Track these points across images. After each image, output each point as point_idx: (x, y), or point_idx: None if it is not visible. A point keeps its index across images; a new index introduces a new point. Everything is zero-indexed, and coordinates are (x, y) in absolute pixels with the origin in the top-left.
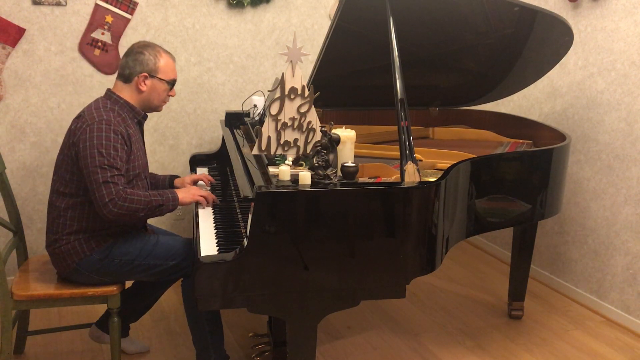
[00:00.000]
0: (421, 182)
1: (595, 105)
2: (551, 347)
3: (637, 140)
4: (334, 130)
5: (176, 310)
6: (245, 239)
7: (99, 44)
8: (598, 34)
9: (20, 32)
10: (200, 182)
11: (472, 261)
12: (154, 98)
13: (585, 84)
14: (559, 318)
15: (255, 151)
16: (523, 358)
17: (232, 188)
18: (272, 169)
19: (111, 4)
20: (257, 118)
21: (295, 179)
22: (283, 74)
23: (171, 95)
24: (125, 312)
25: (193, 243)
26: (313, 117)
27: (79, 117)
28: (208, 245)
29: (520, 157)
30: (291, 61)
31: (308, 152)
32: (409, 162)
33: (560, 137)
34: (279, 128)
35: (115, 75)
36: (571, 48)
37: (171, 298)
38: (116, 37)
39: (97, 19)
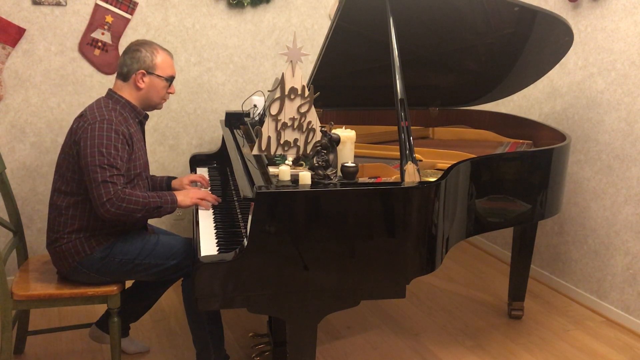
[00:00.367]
0: (421, 182)
1: (595, 105)
2: (551, 347)
3: (637, 140)
4: (334, 130)
5: (176, 310)
6: (245, 239)
7: (99, 44)
8: (598, 34)
9: (20, 32)
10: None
11: (472, 261)
12: (153, 95)
13: (585, 84)
14: (559, 318)
15: (255, 151)
16: (523, 358)
17: (232, 188)
18: (272, 169)
19: (111, 4)
20: (257, 118)
21: (295, 179)
22: (283, 74)
23: (170, 93)
24: (125, 312)
25: (193, 243)
26: (313, 117)
27: (80, 116)
28: (208, 245)
29: (520, 157)
30: (291, 61)
31: (308, 152)
32: (409, 162)
33: (560, 137)
34: (279, 128)
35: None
36: (571, 48)
37: (171, 298)
38: (116, 37)
39: (97, 19)
